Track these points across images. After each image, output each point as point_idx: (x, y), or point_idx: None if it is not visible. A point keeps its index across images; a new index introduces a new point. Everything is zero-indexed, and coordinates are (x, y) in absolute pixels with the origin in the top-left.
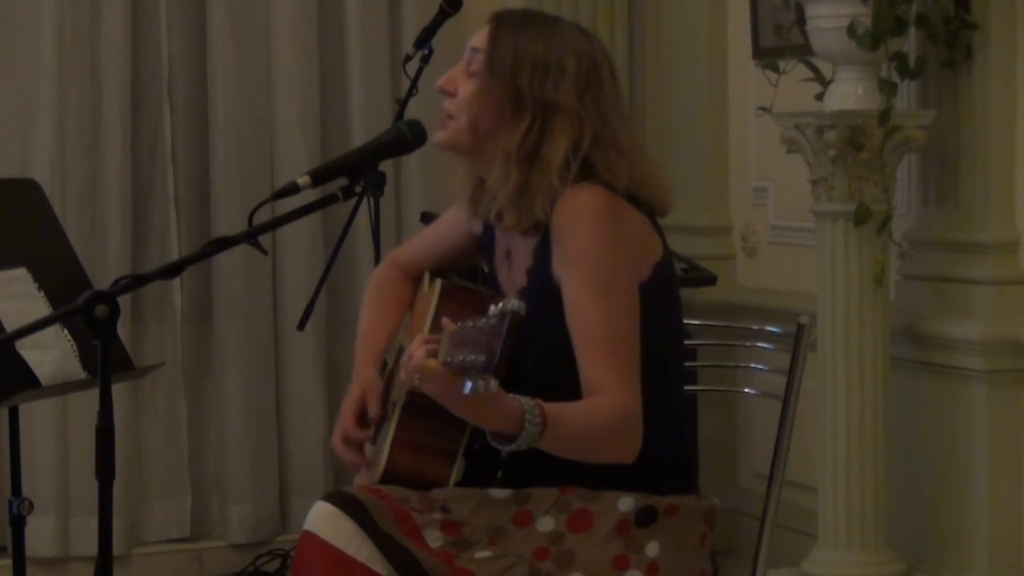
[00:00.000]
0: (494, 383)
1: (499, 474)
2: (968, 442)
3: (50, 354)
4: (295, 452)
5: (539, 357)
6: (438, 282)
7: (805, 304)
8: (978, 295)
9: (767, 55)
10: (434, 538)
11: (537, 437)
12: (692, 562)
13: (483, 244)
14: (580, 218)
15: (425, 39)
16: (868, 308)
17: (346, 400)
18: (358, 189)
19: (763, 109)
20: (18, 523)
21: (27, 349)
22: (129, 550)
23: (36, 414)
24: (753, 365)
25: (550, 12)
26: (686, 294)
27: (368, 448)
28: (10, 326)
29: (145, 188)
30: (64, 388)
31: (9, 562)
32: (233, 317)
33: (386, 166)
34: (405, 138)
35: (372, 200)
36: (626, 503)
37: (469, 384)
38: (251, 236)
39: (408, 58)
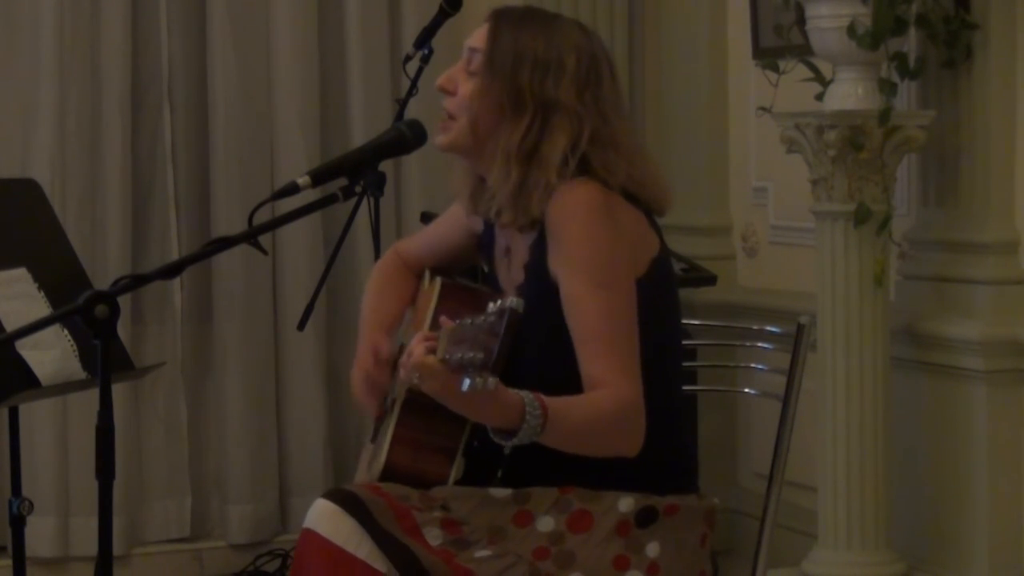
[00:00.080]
0: (492, 380)
1: (499, 473)
2: (968, 442)
3: (50, 354)
4: (295, 452)
5: (539, 353)
6: (438, 280)
7: (805, 304)
8: (978, 295)
9: (767, 55)
10: (434, 536)
11: (538, 430)
12: (692, 562)
13: (483, 242)
14: (575, 212)
15: (425, 39)
16: (868, 308)
17: (360, 349)
18: (358, 189)
19: (763, 109)
20: (18, 523)
21: (27, 349)
22: (129, 550)
23: (36, 414)
24: (753, 365)
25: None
26: (686, 294)
27: (368, 447)
28: (10, 326)
29: (145, 188)
30: (64, 388)
31: (9, 562)
32: (233, 317)
33: (386, 166)
34: (405, 138)
35: (372, 200)
36: (626, 503)
37: (467, 381)
38: (251, 236)
39: (408, 58)
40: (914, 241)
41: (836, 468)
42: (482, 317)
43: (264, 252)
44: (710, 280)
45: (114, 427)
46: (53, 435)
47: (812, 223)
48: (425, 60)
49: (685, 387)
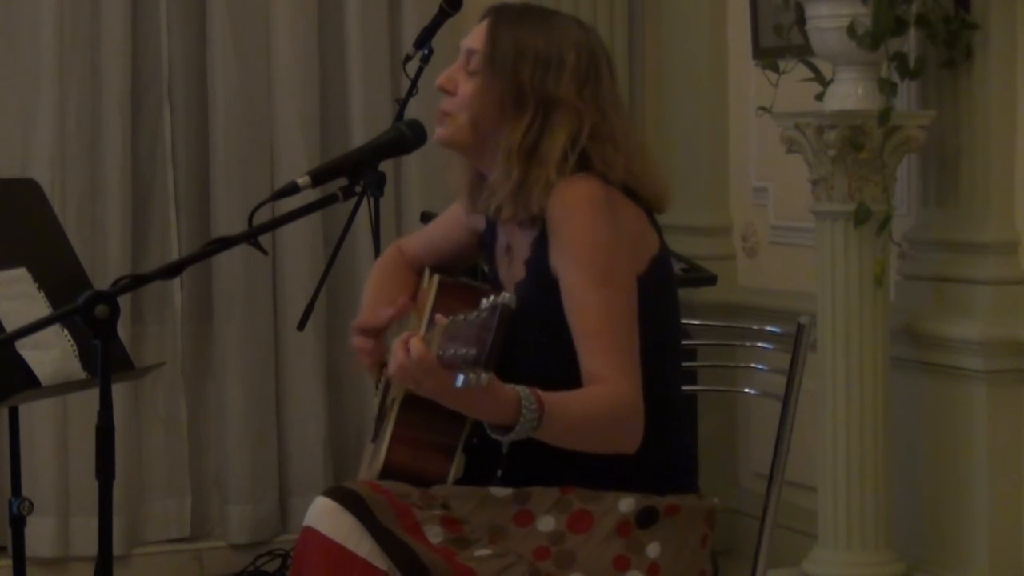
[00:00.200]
0: (485, 375)
1: (499, 473)
2: (968, 442)
3: (50, 354)
4: (295, 452)
5: (539, 350)
6: (436, 277)
7: (805, 304)
8: (978, 295)
9: (767, 55)
10: (434, 534)
11: (535, 424)
12: (693, 563)
13: (485, 241)
14: (576, 208)
15: (425, 39)
16: (868, 308)
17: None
18: (358, 189)
19: (763, 109)
20: (18, 523)
21: (27, 349)
22: (129, 550)
23: (36, 414)
24: (753, 365)
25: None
26: (686, 294)
27: (368, 447)
28: (10, 326)
29: (145, 188)
30: (64, 388)
31: (9, 562)
32: (233, 317)
33: (386, 166)
34: (405, 138)
35: (372, 200)
36: (627, 503)
37: (461, 377)
38: (251, 236)
39: (408, 58)
40: (914, 241)
41: (836, 468)
42: (475, 313)
43: (264, 252)
44: (710, 280)
45: (114, 427)
46: (53, 435)
47: (812, 223)
48: (425, 60)
49: (685, 387)
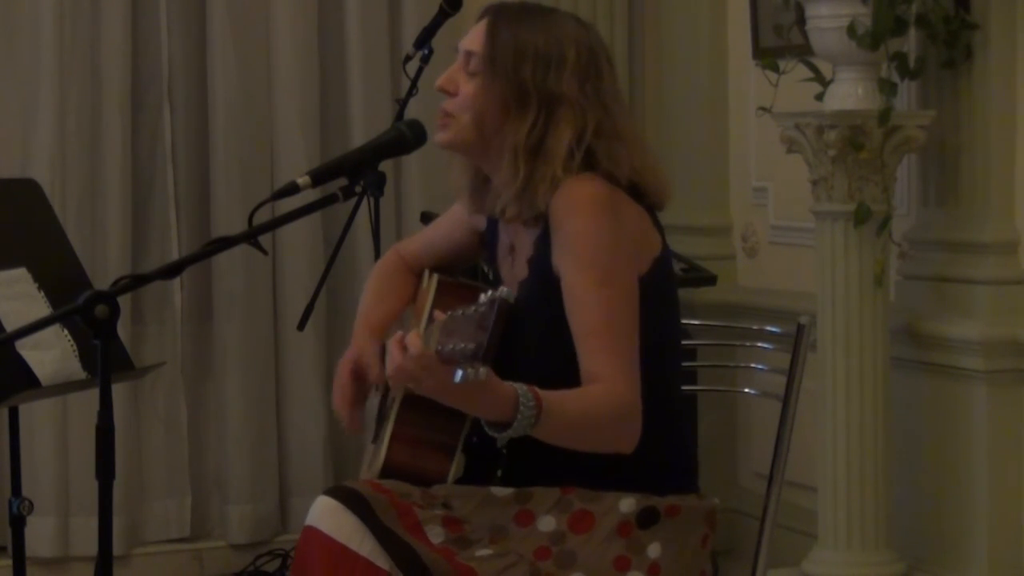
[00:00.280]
0: (483, 370)
1: (499, 472)
2: (968, 442)
3: (50, 354)
4: (295, 452)
5: (540, 348)
6: (435, 276)
7: (805, 304)
8: (978, 295)
9: (767, 55)
10: (435, 534)
11: (533, 422)
12: (693, 563)
13: (486, 241)
14: (579, 207)
15: (425, 39)
16: (868, 308)
17: (341, 362)
18: (358, 189)
19: (763, 109)
20: (18, 523)
21: (27, 349)
22: (129, 550)
23: (36, 414)
24: (753, 365)
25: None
26: (686, 294)
27: (369, 448)
28: (10, 326)
29: (145, 188)
30: (64, 388)
31: (9, 562)
32: (233, 317)
33: (386, 166)
34: (405, 138)
35: (372, 200)
36: (627, 504)
37: (459, 372)
38: (251, 236)
39: (408, 58)
40: (914, 241)
41: (836, 468)
42: (472, 308)
43: (264, 252)
44: (710, 280)
45: (114, 427)
46: (53, 435)
47: (812, 223)
48: (425, 60)
49: (685, 387)
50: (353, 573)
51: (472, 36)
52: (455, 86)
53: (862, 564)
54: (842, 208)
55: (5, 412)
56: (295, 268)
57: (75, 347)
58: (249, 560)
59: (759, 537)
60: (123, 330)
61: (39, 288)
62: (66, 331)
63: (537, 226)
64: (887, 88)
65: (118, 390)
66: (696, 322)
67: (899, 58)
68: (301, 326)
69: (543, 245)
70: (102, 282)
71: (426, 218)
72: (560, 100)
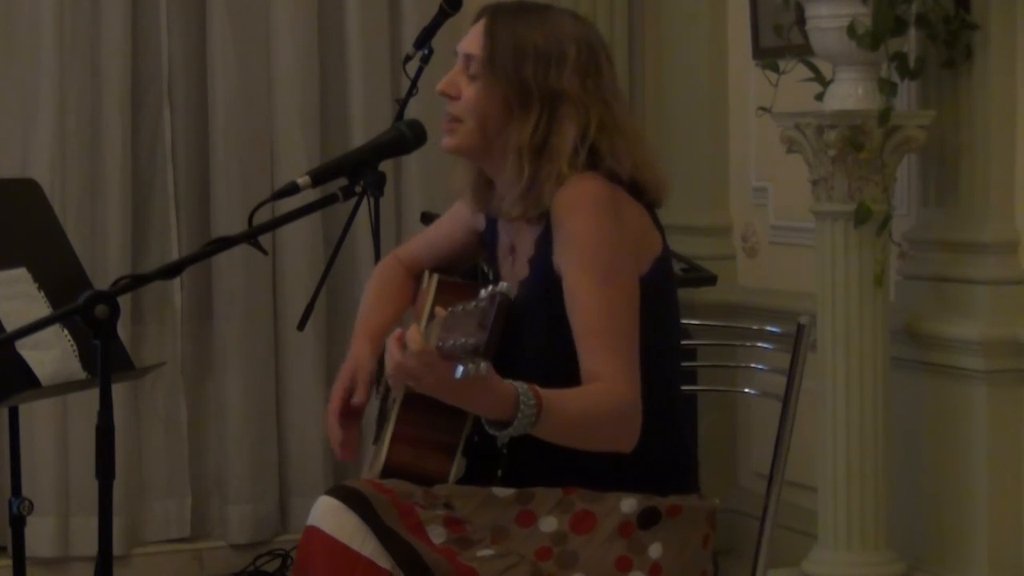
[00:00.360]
0: (484, 365)
1: (499, 472)
2: (968, 442)
3: (50, 354)
4: (295, 452)
5: (540, 347)
6: (435, 276)
7: (805, 304)
8: (978, 295)
9: (767, 55)
10: (437, 534)
11: (533, 420)
12: (694, 563)
13: (486, 241)
14: (580, 205)
15: (425, 39)
16: (868, 308)
17: (336, 382)
18: (358, 189)
19: (763, 109)
20: (18, 523)
21: (27, 349)
22: (129, 550)
23: (36, 414)
24: (753, 365)
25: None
26: (686, 294)
27: (369, 449)
28: (10, 326)
29: (145, 188)
30: (64, 388)
31: (9, 562)
32: (233, 317)
33: (386, 166)
34: (405, 138)
35: (372, 200)
36: (629, 504)
37: (460, 368)
38: (251, 236)
39: (408, 58)
40: (914, 241)
41: (836, 468)
42: (473, 303)
43: (264, 252)
44: (710, 280)
45: (114, 427)
46: (53, 435)
47: (812, 223)
48: (425, 60)
49: (685, 387)
50: (354, 573)
51: (470, 38)
52: (456, 89)
53: (862, 564)
54: (842, 208)
55: (5, 412)
56: (295, 268)
57: (75, 347)
58: (249, 560)
59: (759, 537)
60: (123, 330)
61: (39, 288)
62: (66, 331)
63: (539, 224)
64: (887, 88)
65: (118, 390)
66: (696, 322)
67: (899, 58)
68: (301, 326)
69: (544, 244)
70: (102, 282)
71: (426, 218)
72: (562, 98)
